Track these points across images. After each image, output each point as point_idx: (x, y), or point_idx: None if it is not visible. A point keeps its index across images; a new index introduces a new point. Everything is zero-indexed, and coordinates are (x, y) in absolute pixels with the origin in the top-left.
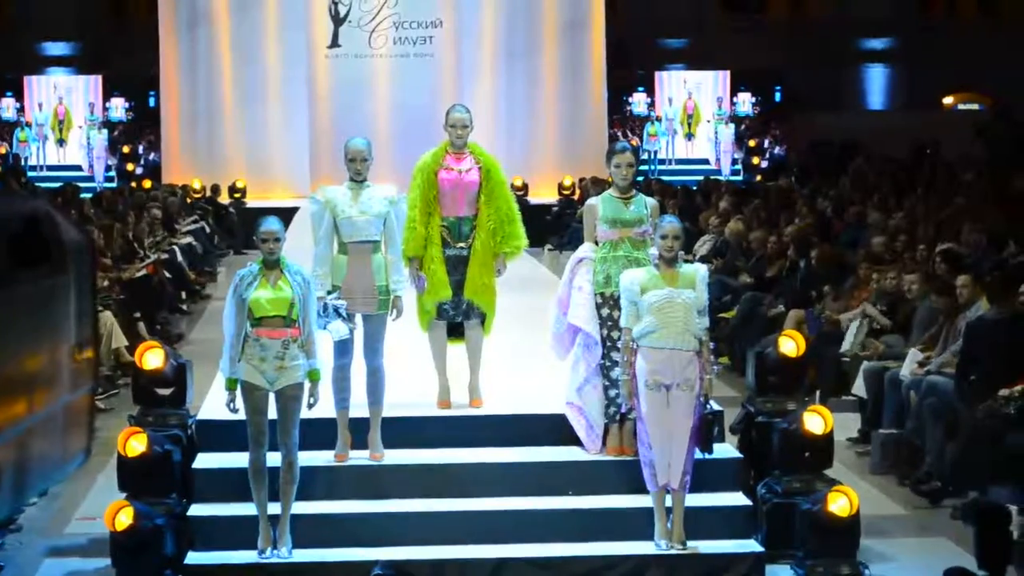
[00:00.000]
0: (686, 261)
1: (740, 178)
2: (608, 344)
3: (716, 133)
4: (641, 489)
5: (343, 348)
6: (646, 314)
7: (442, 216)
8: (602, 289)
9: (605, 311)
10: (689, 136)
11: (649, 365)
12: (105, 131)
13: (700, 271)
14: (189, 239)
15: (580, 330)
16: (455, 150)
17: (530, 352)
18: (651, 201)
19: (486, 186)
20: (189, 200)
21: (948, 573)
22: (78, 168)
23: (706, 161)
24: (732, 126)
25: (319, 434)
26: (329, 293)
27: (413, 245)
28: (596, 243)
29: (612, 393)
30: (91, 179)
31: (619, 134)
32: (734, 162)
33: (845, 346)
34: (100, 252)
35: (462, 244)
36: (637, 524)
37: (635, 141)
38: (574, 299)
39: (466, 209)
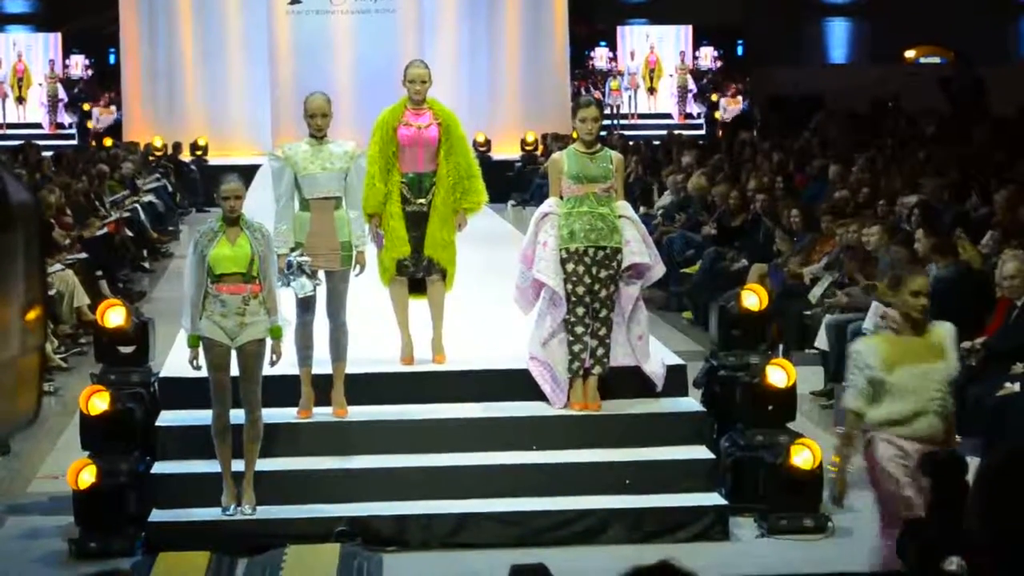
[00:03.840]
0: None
1: (702, 132)
2: (573, 300)
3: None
4: (602, 443)
5: (306, 305)
6: (893, 396)
7: (401, 172)
8: (567, 244)
9: (570, 266)
10: (651, 90)
11: (901, 458)
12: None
13: (948, 331)
14: (151, 197)
15: (545, 285)
16: (414, 106)
17: (493, 307)
18: (616, 155)
19: (445, 142)
20: (151, 158)
21: (908, 523)
22: (38, 126)
23: (669, 116)
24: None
25: (283, 391)
26: (292, 250)
27: (372, 202)
28: (561, 198)
29: (576, 348)
30: (53, 137)
31: (581, 89)
32: (698, 116)
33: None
34: (60, 210)
35: (422, 200)
36: (601, 479)
37: (597, 95)
38: (539, 254)
39: (425, 165)
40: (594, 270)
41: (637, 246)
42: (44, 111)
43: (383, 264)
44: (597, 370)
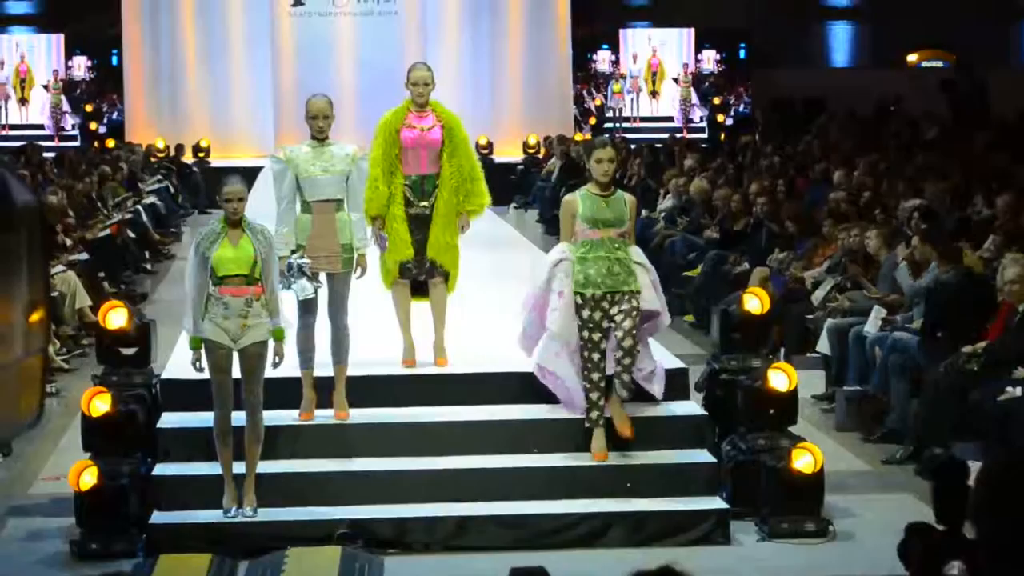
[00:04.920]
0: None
1: (704, 135)
2: (589, 346)
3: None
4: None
5: (308, 307)
6: None
7: (404, 175)
8: (582, 290)
9: (586, 312)
10: (653, 93)
11: None
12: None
13: None
14: (153, 199)
15: (548, 331)
16: (417, 108)
17: (495, 310)
18: (630, 198)
19: (448, 144)
20: (153, 160)
21: (910, 528)
22: (41, 127)
23: (671, 119)
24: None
25: (284, 393)
26: (293, 252)
27: (376, 204)
28: (572, 242)
29: (594, 396)
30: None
31: (583, 92)
32: (700, 119)
33: (815, 302)
34: (63, 212)
35: (425, 203)
36: (602, 482)
37: (599, 99)
38: (553, 304)
39: (428, 167)
40: (612, 311)
41: (648, 293)
42: (48, 120)
43: (385, 266)
44: (624, 393)
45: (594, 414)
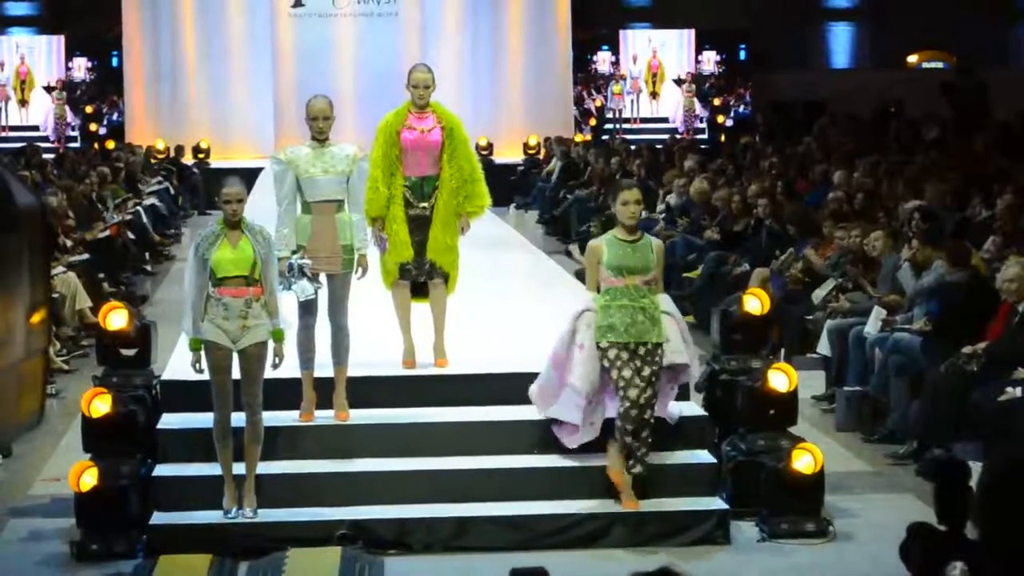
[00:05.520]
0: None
1: (704, 137)
2: (622, 384)
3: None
4: (604, 448)
5: (308, 308)
6: None
7: (404, 176)
8: (607, 337)
9: (612, 352)
10: (653, 95)
11: None
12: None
13: None
14: (153, 200)
15: (570, 385)
16: (417, 109)
17: (495, 311)
18: (657, 243)
19: (448, 145)
20: (153, 161)
21: (911, 528)
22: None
23: (670, 119)
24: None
25: (284, 394)
26: (294, 253)
27: (376, 205)
28: (598, 290)
29: (629, 440)
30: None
31: (583, 93)
32: (700, 119)
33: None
34: (63, 214)
35: (424, 204)
36: (602, 482)
37: (599, 100)
38: (575, 358)
39: (429, 168)
40: (636, 363)
41: (676, 344)
42: (51, 131)
43: (385, 267)
44: (637, 470)
45: (631, 461)
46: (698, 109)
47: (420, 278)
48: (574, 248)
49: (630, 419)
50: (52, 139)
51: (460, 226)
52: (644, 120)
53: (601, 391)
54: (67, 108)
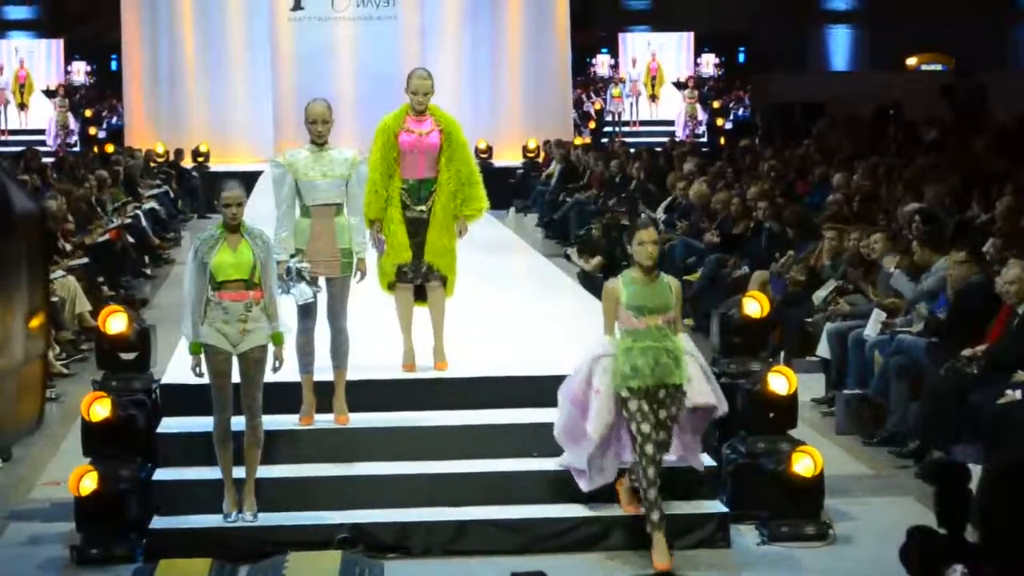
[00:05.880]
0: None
1: (703, 139)
2: (641, 439)
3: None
4: None
5: (307, 311)
6: None
7: (402, 179)
8: (628, 383)
9: (633, 404)
10: (653, 97)
11: None
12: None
13: None
14: (152, 204)
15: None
16: (416, 113)
17: (494, 314)
18: (674, 282)
19: (447, 148)
20: (152, 165)
21: (911, 531)
22: (41, 132)
23: (670, 123)
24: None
25: (284, 398)
26: (292, 256)
27: (374, 208)
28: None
29: (652, 495)
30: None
31: (583, 96)
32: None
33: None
34: (62, 217)
35: (422, 207)
36: (602, 487)
37: (598, 103)
38: (593, 404)
39: (426, 171)
40: (655, 407)
41: (700, 385)
42: (52, 139)
43: (383, 270)
44: (656, 517)
45: (655, 515)
46: (700, 115)
47: (417, 281)
48: (572, 252)
49: (647, 476)
50: (53, 147)
51: (458, 229)
52: (643, 123)
53: (615, 439)
54: (69, 115)
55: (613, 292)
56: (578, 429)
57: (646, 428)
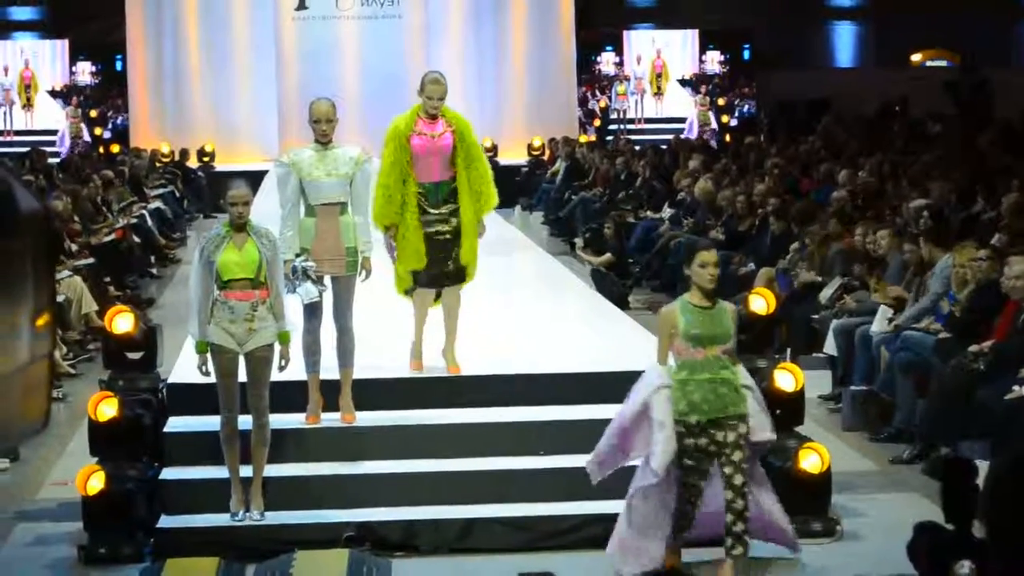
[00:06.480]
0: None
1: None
2: (690, 471)
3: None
4: None
5: (313, 311)
6: None
7: (418, 183)
8: (685, 417)
9: (689, 440)
10: (658, 95)
11: None
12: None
13: None
14: (158, 203)
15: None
16: (427, 115)
17: (503, 313)
18: (731, 308)
19: (461, 149)
20: (158, 164)
21: (918, 527)
22: (47, 132)
23: (675, 120)
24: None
25: (290, 396)
26: (297, 256)
27: (388, 213)
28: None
29: (683, 523)
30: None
31: (588, 94)
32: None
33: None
34: (68, 217)
35: (442, 209)
36: (609, 483)
37: (603, 101)
38: (655, 437)
39: (441, 173)
40: (719, 436)
41: (758, 420)
42: (63, 147)
43: (398, 275)
44: (738, 551)
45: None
46: (712, 122)
47: (434, 287)
48: (579, 242)
49: (734, 508)
50: (64, 154)
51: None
52: (648, 120)
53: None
54: (83, 126)
55: (670, 319)
56: (612, 457)
57: (700, 462)
